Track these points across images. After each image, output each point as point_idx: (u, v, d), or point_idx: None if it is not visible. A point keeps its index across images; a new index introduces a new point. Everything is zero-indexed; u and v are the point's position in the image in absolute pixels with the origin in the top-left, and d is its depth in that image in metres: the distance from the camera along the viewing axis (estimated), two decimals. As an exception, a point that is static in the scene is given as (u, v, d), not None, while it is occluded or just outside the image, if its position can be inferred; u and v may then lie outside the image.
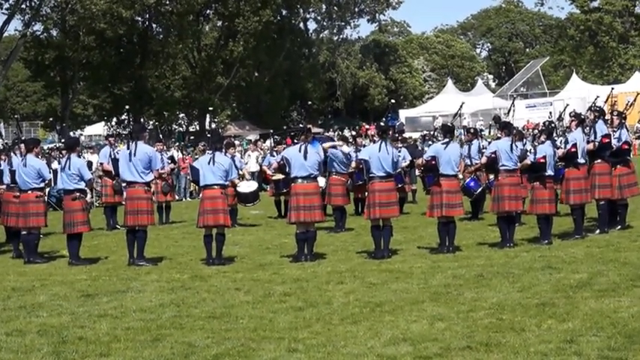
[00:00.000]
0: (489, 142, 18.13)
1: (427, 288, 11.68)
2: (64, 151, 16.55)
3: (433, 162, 14.86)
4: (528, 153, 15.32)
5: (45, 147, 38.33)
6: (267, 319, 10.18)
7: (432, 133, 23.96)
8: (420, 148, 26.02)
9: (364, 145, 20.50)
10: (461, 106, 17.27)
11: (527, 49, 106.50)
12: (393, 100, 41.25)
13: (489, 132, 29.16)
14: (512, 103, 22.64)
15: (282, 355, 8.55)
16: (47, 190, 17.50)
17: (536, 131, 23.63)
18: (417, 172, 22.30)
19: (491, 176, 16.65)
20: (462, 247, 15.30)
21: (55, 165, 20.89)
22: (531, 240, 15.79)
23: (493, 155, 15.24)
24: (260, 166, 27.35)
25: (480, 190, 18.27)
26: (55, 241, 18.47)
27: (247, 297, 11.60)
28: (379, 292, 11.58)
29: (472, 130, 21.21)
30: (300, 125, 16.78)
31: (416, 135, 40.01)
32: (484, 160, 15.82)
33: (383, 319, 9.90)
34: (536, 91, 72.86)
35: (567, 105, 23.51)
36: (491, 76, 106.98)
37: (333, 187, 19.21)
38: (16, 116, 33.25)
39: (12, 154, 17.10)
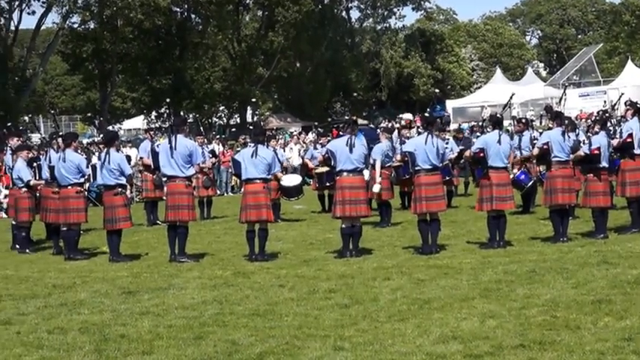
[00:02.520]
0: (540, 133, 17.79)
1: (477, 284, 11.46)
2: (102, 146, 16.40)
3: (482, 154, 14.56)
4: (582, 144, 15.04)
5: (84, 141, 38.47)
6: (312, 316, 10.03)
7: (480, 124, 23.57)
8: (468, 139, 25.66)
9: (408, 137, 20.21)
10: (511, 97, 16.97)
11: (580, 36, 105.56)
12: (437, 90, 40.86)
13: (540, 122, 28.80)
14: (564, 92, 22.36)
15: (327, 354, 8.36)
16: (87, 185, 17.36)
17: (589, 121, 23.26)
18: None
19: (543, 168, 16.31)
20: (513, 241, 15.04)
21: (94, 160, 20.82)
22: (586, 234, 15.52)
23: (545, 146, 14.93)
24: (302, 159, 27.13)
25: (530, 182, 18.01)
26: (96, 238, 18.44)
27: (291, 294, 11.44)
28: (427, 288, 11.37)
29: (524, 121, 20.85)
30: (346, 117, 16.52)
31: (463, 126, 39.70)
32: (535, 151, 15.52)
33: (432, 317, 9.70)
34: (590, 80, 71.84)
35: (622, 94, 23.03)
36: (541, 65, 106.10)
37: (375, 180, 18.89)
38: (52, 111, 33.28)
39: (50, 149, 17.01)
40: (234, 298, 11.28)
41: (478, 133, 21.16)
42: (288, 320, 9.85)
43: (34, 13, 50.93)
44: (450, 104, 70.65)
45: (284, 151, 29.44)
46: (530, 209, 19.65)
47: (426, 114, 18.60)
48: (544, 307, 9.87)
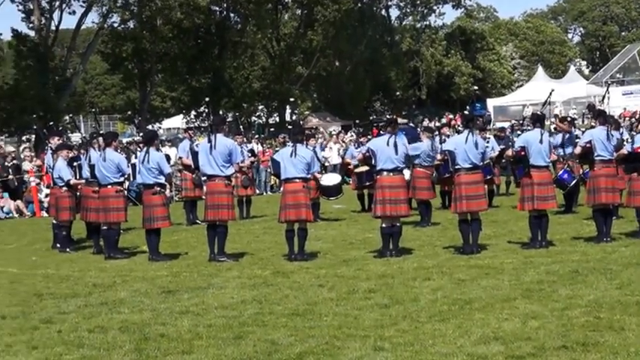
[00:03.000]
0: (583, 132, 17.61)
1: (519, 285, 11.36)
2: (142, 145, 16.44)
3: (523, 153, 14.42)
4: (625, 142, 14.81)
5: (123, 140, 38.67)
6: (351, 316, 9.98)
7: (521, 122, 23.39)
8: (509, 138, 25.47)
9: (449, 136, 20.09)
10: (550, 94, 16.76)
11: (623, 33, 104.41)
12: (476, 88, 40.58)
13: (582, 121, 28.54)
14: (607, 90, 22.09)
15: (367, 354, 8.32)
16: (126, 184, 17.41)
17: (633, 120, 22.99)
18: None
19: (586, 167, 16.15)
20: (555, 241, 14.88)
21: (133, 159, 20.88)
22: (630, 234, 15.34)
23: (588, 145, 14.76)
24: (342, 159, 27.06)
25: (573, 182, 17.81)
26: (135, 237, 18.48)
27: (331, 294, 11.40)
28: (468, 288, 11.29)
29: (569, 119, 20.65)
30: (388, 116, 16.47)
31: (505, 125, 39.39)
32: (578, 150, 15.37)
33: (473, 317, 9.62)
34: (633, 78, 70.96)
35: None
36: (584, 62, 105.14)
37: (418, 180, 18.87)
38: (93, 110, 33.47)
39: (91, 148, 17.07)
40: (274, 298, 11.25)
41: (519, 132, 21.00)
42: (327, 320, 9.81)
43: (74, 12, 51.26)
44: (491, 103, 70.20)
45: (323, 149, 29.36)
46: (572, 209, 19.43)
47: (466, 112, 18.45)
48: (587, 307, 9.76)
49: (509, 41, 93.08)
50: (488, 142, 20.67)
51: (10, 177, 27.98)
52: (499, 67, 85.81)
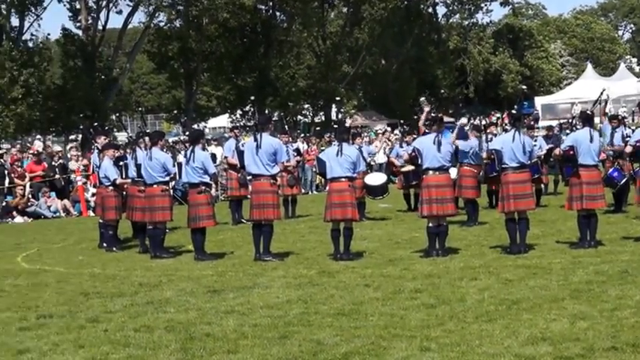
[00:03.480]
0: (633, 130, 17.38)
1: (567, 285, 11.24)
2: (188, 144, 16.47)
3: (571, 152, 14.26)
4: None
5: (169, 140, 38.83)
6: (397, 316, 9.93)
7: (569, 121, 23.04)
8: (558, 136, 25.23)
9: (495, 135, 19.95)
10: (601, 93, 16.58)
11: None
12: (524, 87, 40.23)
13: (632, 119, 28.18)
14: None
15: (414, 354, 8.27)
16: (172, 183, 17.46)
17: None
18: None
19: (636, 166, 15.94)
20: (604, 241, 14.70)
21: (180, 158, 20.94)
22: (682, 234, 15.10)
23: (638, 144, 14.54)
24: (387, 158, 26.95)
25: (623, 180, 17.60)
26: (181, 236, 18.53)
27: (377, 293, 11.35)
28: (516, 288, 11.19)
29: (620, 117, 20.40)
30: (432, 114, 16.38)
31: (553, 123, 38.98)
32: (629, 149, 15.21)
33: (520, 318, 9.53)
34: (685, 74, 70.18)
35: None
36: (634, 60, 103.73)
37: (465, 179, 18.75)
38: (140, 109, 33.69)
39: (137, 147, 17.14)
40: (319, 298, 11.22)
41: (568, 131, 20.76)
42: (373, 320, 9.77)
43: (121, 12, 51.54)
44: (539, 101, 69.66)
45: (368, 146, 29.19)
46: (622, 208, 19.21)
47: (514, 111, 18.28)
48: (637, 308, 9.65)
49: (557, 38, 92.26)
50: (536, 140, 20.53)
51: (57, 176, 28.23)
52: (547, 65, 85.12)
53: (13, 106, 41.96)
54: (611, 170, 17.42)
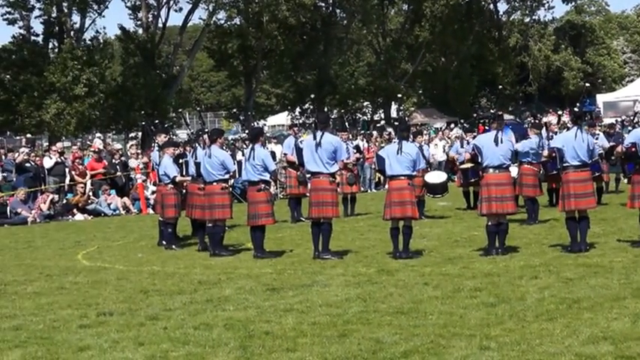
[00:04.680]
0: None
1: (629, 284, 11.12)
2: (247, 142, 16.52)
3: (634, 149, 14.07)
4: None
5: (229, 138, 39.00)
6: (457, 315, 9.88)
7: (631, 118, 22.83)
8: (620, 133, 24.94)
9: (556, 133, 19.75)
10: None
11: None
12: (587, 84, 39.72)
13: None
14: None
15: (473, 353, 8.22)
16: (231, 181, 17.51)
17: None
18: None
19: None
20: (667, 240, 14.47)
21: (239, 156, 21.03)
22: None
23: None
24: (447, 156, 26.82)
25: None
26: (240, 234, 18.58)
27: (436, 292, 11.30)
28: (576, 287, 11.08)
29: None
30: (491, 111, 16.29)
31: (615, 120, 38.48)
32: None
33: (581, 317, 9.44)
34: None
35: None
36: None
37: (525, 177, 18.59)
38: (198, 108, 33.93)
39: (197, 145, 17.23)
40: (378, 296, 11.19)
41: (630, 128, 20.52)
42: (432, 319, 9.73)
43: (180, 10, 52.01)
44: (601, 98, 68.70)
45: (429, 146, 29.09)
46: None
47: (576, 109, 18.09)
48: (700, 307, 9.49)
49: (620, 35, 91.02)
50: (597, 138, 20.29)
51: (119, 174, 28.50)
52: (609, 62, 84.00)
53: (76, 104, 42.46)
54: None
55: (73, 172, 28.00)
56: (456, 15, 62.50)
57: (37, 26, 49.01)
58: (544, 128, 21.05)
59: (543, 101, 76.92)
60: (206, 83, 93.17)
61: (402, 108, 62.33)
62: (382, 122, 49.60)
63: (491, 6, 72.40)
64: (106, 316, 10.75)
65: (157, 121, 29.54)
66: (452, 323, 9.43)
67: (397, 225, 14.54)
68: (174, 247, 17.50)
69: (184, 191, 17.83)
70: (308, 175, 15.97)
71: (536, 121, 21.51)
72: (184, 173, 17.41)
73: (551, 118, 23.24)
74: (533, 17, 76.67)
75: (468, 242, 16.03)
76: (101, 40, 46.53)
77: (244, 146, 20.94)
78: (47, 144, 39.01)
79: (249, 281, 12.83)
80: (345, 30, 58.64)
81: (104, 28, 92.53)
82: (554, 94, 79.69)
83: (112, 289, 12.83)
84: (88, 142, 41.08)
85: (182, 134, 40.98)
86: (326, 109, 52.31)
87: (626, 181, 18.11)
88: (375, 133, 38.41)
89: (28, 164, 27.49)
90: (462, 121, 35.64)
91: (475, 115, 51.29)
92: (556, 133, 19.20)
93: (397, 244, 14.48)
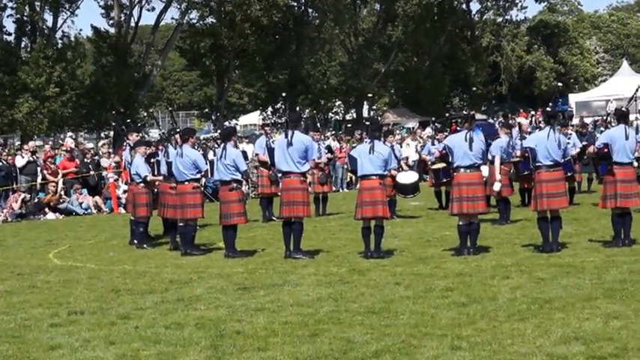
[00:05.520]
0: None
1: (601, 284, 11.13)
2: (219, 141, 16.49)
3: (606, 149, 14.12)
4: None
5: (201, 137, 38.92)
6: (428, 314, 9.86)
7: (604, 118, 22.94)
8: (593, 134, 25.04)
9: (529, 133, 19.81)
10: (637, 90, 16.41)
11: None
12: (560, 84, 39.93)
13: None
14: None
15: (444, 353, 8.20)
16: (203, 181, 17.47)
17: None
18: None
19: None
20: (638, 240, 14.56)
21: (211, 155, 20.96)
22: None
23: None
24: (419, 156, 26.84)
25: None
26: (212, 233, 18.56)
27: (407, 292, 11.28)
28: (548, 287, 11.09)
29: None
30: (464, 112, 16.26)
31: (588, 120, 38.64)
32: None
33: (552, 317, 9.44)
34: None
35: None
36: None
37: (495, 177, 18.54)
38: (170, 108, 33.85)
39: (168, 144, 17.17)
40: (350, 296, 11.17)
41: (602, 128, 20.63)
42: (404, 318, 9.71)
43: (153, 9, 51.85)
44: (573, 98, 69.05)
45: (400, 146, 29.13)
46: (657, 206, 19.06)
47: (548, 108, 18.18)
48: (672, 308, 9.51)
49: (593, 35, 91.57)
50: (569, 138, 20.37)
51: (92, 173, 28.37)
52: (582, 62, 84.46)
53: (47, 103, 42.26)
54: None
55: (45, 172, 27.84)
56: (429, 14, 62.63)
57: (9, 25, 48.85)
58: (516, 128, 21.15)
59: (516, 101, 77.26)
60: (178, 82, 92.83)
61: (374, 108, 62.39)
62: (349, 125, 49.80)
63: (464, 5, 72.63)
64: (77, 315, 10.69)
65: (128, 121, 29.44)
66: (423, 323, 9.41)
67: (369, 224, 14.52)
68: (145, 246, 17.42)
69: (156, 190, 17.77)
70: (279, 175, 15.95)
71: (507, 121, 21.52)
72: (156, 172, 17.35)
73: (521, 120, 23.32)
74: (506, 17, 77.00)
75: (439, 242, 16.03)
76: (72, 38, 46.33)
77: (216, 146, 20.90)
78: (19, 143, 38.79)
79: (221, 280, 12.79)
80: (317, 29, 58.66)
81: (79, 29, 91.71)
82: (526, 94, 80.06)
83: (84, 288, 12.75)
84: (60, 141, 40.83)
85: (154, 133, 40.83)
86: (298, 109, 52.29)
87: (598, 181, 18.18)
88: (344, 136, 38.45)
89: None
90: (434, 119, 35.66)
91: (447, 114, 51.46)
92: (529, 133, 19.25)
93: (369, 244, 14.47)
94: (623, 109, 15.22)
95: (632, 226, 14.38)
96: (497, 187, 17.93)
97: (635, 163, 15.24)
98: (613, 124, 15.84)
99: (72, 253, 17.46)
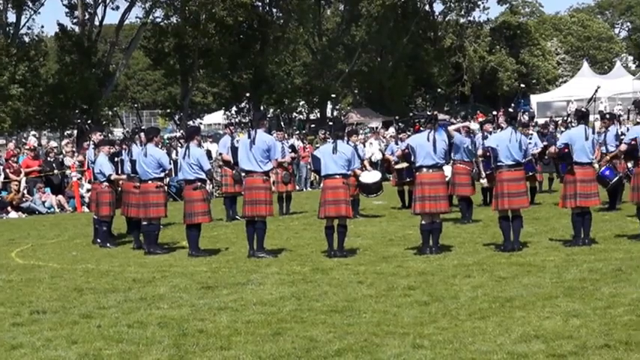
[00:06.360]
0: (627, 128, 17.38)
1: (561, 282, 11.24)
2: (183, 141, 16.48)
3: (567, 150, 14.25)
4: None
5: (165, 136, 38.81)
6: (391, 313, 9.93)
7: (565, 118, 23.07)
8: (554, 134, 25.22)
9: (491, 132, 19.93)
10: (596, 90, 16.57)
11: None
12: (522, 85, 40.19)
13: (628, 117, 28.15)
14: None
15: (406, 351, 8.26)
16: (167, 180, 17.45)
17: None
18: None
19: (630, 164, 15.93)
20: (598, 239, 14.72)
21: (175, 155, 20.96)
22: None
23: (633, 142, 14.55)
24: (383, 155, 26.91)
25: (616, 179, 17.63)
26: (175, 232, 18.54)
27: (370, 290, 11.34)
28: (509, 286, 11.19)
29: (608, 116, 20.46)
30: (428, 112, 16.35)
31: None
32: (623, 147, 15.14)
33: (513, 315, 9.54)
34: (681, 73, 69.91)
35: None
36: (631, 58, 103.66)
37: (459, 176, 18.69)
38: (135, 105, 33.69)
39: (132, 143, 17.13)
40: (313, 294, 11.22)
41: (563, 128, 20.78)
42: (366, 317, 9.77)
43: (117, 8, 51.58)
44: (535, 99, 69.51)
45: (364, 146, 29.18)
46: (616, 206, 19.26)
47: (510, 109, 18.27)
48: (630, 306, 9.65)
49: (554, 36, 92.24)
50: (531, 138, 20.52)
51: (56, 172, 28.21)
52: (543, 62, 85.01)
53: (10, 101, 41.93)
54: (603, 168, 17.39)
55: (8, 170, 27.63)
56: (392, 15, 62.78)
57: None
58: (478, 128, 21.27)
59: (478, 101, 77.60)
60: (142, 82, 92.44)
61: (337, 107, 62.42)
62: (313, 125, 49.84)
63: (427, 7, 72.87)
64: (39, 314, 10.67)
65: (89, 120, 29.29)
66: (385, 322, 9.47)
67: (332, 224, 14.57)
68: (108, 245, 17.39)
69: (119, 189, 17.71)
70: (243, 174, 15.96)
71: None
72: (120, 171, 17.31)
73: (471, 124, 23.44)
74: (469, 18, 77.29)
75: (402, 241, 16.09)
76: (35, 36, 46.02)
77: (180, 145, 20.84)
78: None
79: (184, 279, 12.78)
80: (281, 29, 58.55)
81: (41, 26, 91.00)
82: (489, 95, 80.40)
83: (46, 287, 12.71)
84: (23, 140, 40.55)
85: (118, 132, 40.67)
86: (262, 109, 52.19)
87: (558, 180, 18.34)
88: (308, 135, 38.52)
89: (-38, 162, 27.12)
90: (397, 119, 35.74)
91: (410, 114, 51.64)
92: (491, 133, 19.39)
93: (332, 243, 14.51)
94: (584, 109, 15.36)
95: (591, 225, 14.54)
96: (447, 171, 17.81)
97: (596, 165, 15.44)
98: (573, 125, 15.96)
99: (34, 252, 17.38)
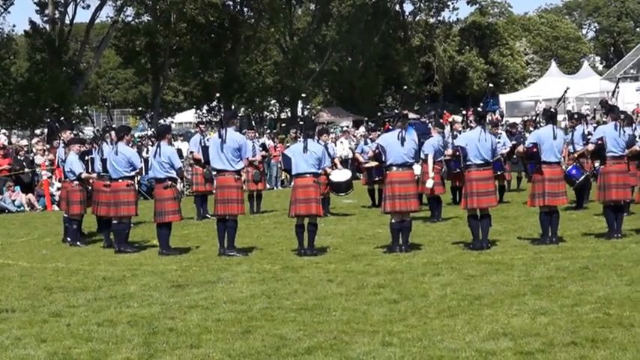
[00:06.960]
0: (595, 128, 17.53)
1: (529, 280, 11.32)
2: (154, 139, 16.46)
3: (535, 149, 14.34)
4: (637, 139, 14.71)
5: (136, 135, 38.68)
6: (360, 311, 9.96)
7: (533, 118, 23.28)
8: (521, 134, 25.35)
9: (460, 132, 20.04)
10: (565, 91, 16.72)
11: (638, 29, 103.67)
12: (491, 85, 40.44)
13: (594, 117, 28.39)
14: (617, 84, 21.91)
15: (376, 349, 8.29)
16: (138, 178, 17.43)
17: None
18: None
19: (597, 163, 16.08)
20: (565, 237, 14.82)
21: (145, 153, 20.90)
22: (641, 231, 15.20)
23: (599, 141, 14.68)
24: (353, 154, 26.96)
25: (582, 178, 17.75)
26: (146, 231, 18.51)
27: (340, 289, 11.37)
28: (478, 284, 11.25)
29: (576, 116, 20.61)
30: (396, 111, 16.41)
31: (517, 120, 39.09)
32: (590, 146, 15.28)
33: (482, 313, 9.59)
34: (647, 74, 70.40)
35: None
36: (598, 58, 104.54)
37: (428, 175, 18.73)
38: (106, 104, 33.56)
39: (103, 142, 17.09)
40: (283, 293, 11.23)
41: (531, 128, 20.92)
42: (336, 315, 9.79)
43: (88, 7, 51.41)
44: (504, 98, 69.90)
45: (335, 145, 29.22)
46: (583, 205, 19.38)
47: (479, 108, 18.40)
48: (597, 304, 9.72)
49: (522, 37, 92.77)
50: (499, 137, 20.64)
51: (26, 170, 28.07)
52: (512, 62, 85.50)
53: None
54: (570, 168, 17.51)
55: (-24, 169, 27.49)
56: (363, 15, 62.89)
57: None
58: (448, 127, 21.35)
59: (448, 100, 77.89)
60: (113, 80, 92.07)
61: (308, 107, 62.46)
62: (284, 124, 49.81)
63: (397, 7, 73.09)
64: (8, 312, 10.63)
65: (62, 118, 29.15)
66: (355, 319, 9.50)
67: (302, 222, 14.59)
68: (79, 243, 17.33)
69: (90, 188, 17.65)
70: (214, 173, 15.95)
71: (439, 120, 21.76)
72: (90, 170, 17.24)
73: (455, 117, 23.54)
74: (439, 18, 77.67)
75: (372, 239, 16.13)
76: (5, 35, 45.74)
77: (150, 143, 20.80)
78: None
79: (154, 278, 12.77)
80: (252, 29, 58.54)
81: (10, 23, 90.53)
82: (458, 94, 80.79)
83: (15, 285, 12.66)
84: (-8, 138, 40.29)
85: (88, 131, 40.47)
86: (233, 107, 52.17)
87: (527, 180, 18.45)
88: (279, 134, 38.52)
89: None
90: (367, 118, 35.76)
91: (380, 114, 51.71)
92: (460, 132, 19.48)
93: (302, 241, 14.55)
94: (552, 109, 15.46)
95: (559, 224, 14.64)
96: (429, 184, 18.13)
97: (564, 165, 15.57)
98: (542, 125, 16.09)
99: (4, 250, 17.30)
